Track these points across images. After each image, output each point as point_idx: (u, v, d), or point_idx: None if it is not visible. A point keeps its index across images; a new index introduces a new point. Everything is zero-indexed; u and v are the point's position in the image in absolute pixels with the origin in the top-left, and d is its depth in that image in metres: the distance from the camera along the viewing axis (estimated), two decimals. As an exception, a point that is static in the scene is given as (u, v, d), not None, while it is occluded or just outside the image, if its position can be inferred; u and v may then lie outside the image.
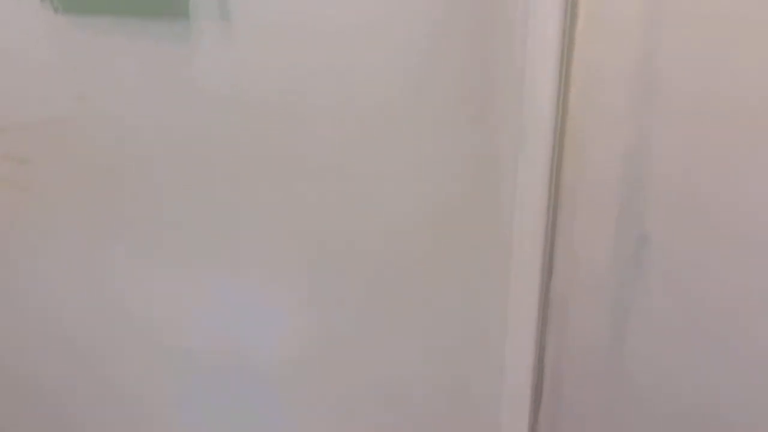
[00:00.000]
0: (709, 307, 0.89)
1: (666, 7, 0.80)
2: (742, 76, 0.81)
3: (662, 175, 0.87)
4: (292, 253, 1.04)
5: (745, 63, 0.80)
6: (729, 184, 0.85)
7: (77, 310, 1.20)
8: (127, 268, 1.13)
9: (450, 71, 0.88)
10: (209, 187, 1.04)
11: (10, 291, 1.22)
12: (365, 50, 0.90)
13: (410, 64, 0.89)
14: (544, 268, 0.91)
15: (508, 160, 0.89)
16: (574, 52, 0.85)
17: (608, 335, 0.95)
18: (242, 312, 1.11)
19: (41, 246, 1.18)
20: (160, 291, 1.13)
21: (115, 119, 1.06)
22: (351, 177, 0.97)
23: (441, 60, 0.88)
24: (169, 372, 1.18)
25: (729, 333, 0.89)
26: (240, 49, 0.95)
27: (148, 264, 1.12)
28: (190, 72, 0.98)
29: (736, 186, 0.84)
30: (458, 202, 0.93)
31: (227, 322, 1.12)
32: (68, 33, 1.02)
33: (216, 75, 0.97)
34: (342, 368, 1.09)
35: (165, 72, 1.00)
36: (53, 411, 1.27)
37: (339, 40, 0.90)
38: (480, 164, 0.91)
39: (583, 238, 0.92)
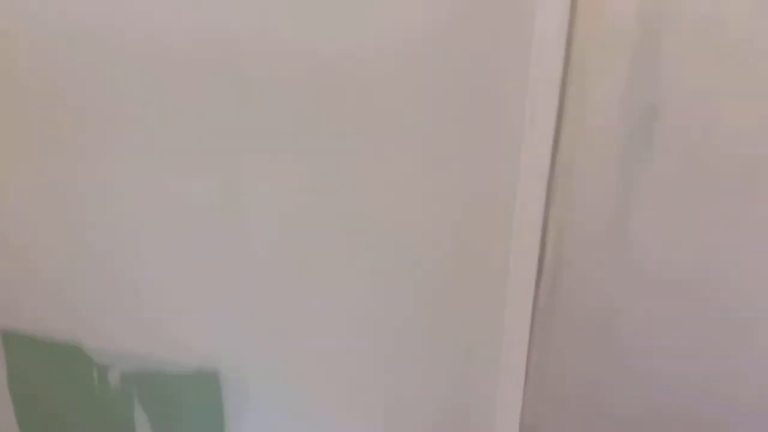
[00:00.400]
0: (720, 173, 0.89)
1: None
2: None
3: (677, 39, 0.85)
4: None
5: None
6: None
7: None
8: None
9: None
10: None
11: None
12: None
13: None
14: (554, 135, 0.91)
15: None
16: None
17: (614, 203, 0.95)
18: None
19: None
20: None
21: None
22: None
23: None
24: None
25: (738, 202, 0.90)
26: None
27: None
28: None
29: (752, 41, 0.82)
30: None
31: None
32: None
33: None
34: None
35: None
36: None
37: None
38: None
39: (593, 106, 0.91)
